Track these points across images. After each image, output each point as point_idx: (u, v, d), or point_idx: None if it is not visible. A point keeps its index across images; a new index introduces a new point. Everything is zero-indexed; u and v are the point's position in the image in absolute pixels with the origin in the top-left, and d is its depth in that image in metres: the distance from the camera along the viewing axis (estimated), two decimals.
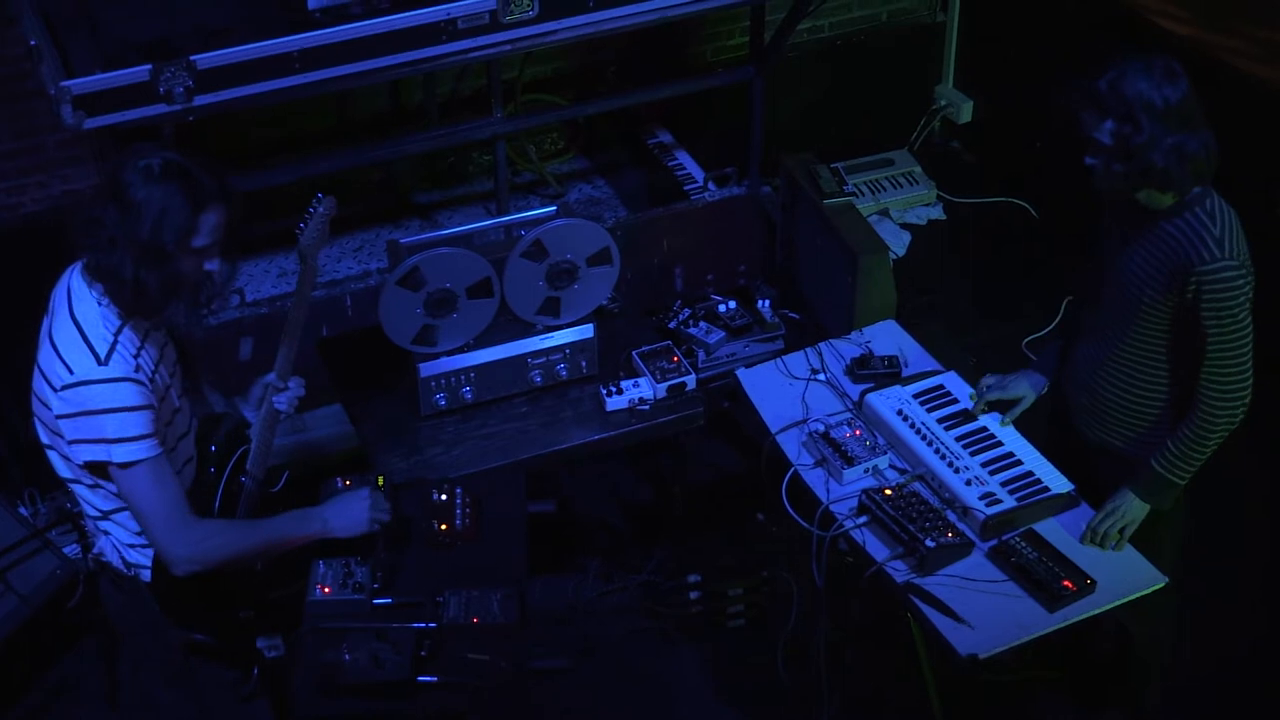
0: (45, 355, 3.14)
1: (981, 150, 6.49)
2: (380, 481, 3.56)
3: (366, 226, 5.39)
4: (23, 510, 4.49)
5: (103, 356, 3.07)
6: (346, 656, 3.16)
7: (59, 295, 3.18)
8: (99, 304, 3.12)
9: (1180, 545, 3.68)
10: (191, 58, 3.93)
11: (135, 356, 3.13)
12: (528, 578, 3.49)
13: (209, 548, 3.22)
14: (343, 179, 5.26)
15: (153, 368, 3.19)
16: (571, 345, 4.17)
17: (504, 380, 4.15)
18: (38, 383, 3.18)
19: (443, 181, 5.63)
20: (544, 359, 4.16)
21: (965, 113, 6.51)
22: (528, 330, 4.12)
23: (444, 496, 3.59)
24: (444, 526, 3.53)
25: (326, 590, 3.29)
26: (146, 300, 3.09)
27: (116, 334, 3.11)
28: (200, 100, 4.00)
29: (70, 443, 3.13)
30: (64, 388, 3.07)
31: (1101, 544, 3.43)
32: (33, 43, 3.95)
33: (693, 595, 4.43)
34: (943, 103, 6.55)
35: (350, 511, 3.37)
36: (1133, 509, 3.43)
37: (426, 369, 4.06)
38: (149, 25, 4.04)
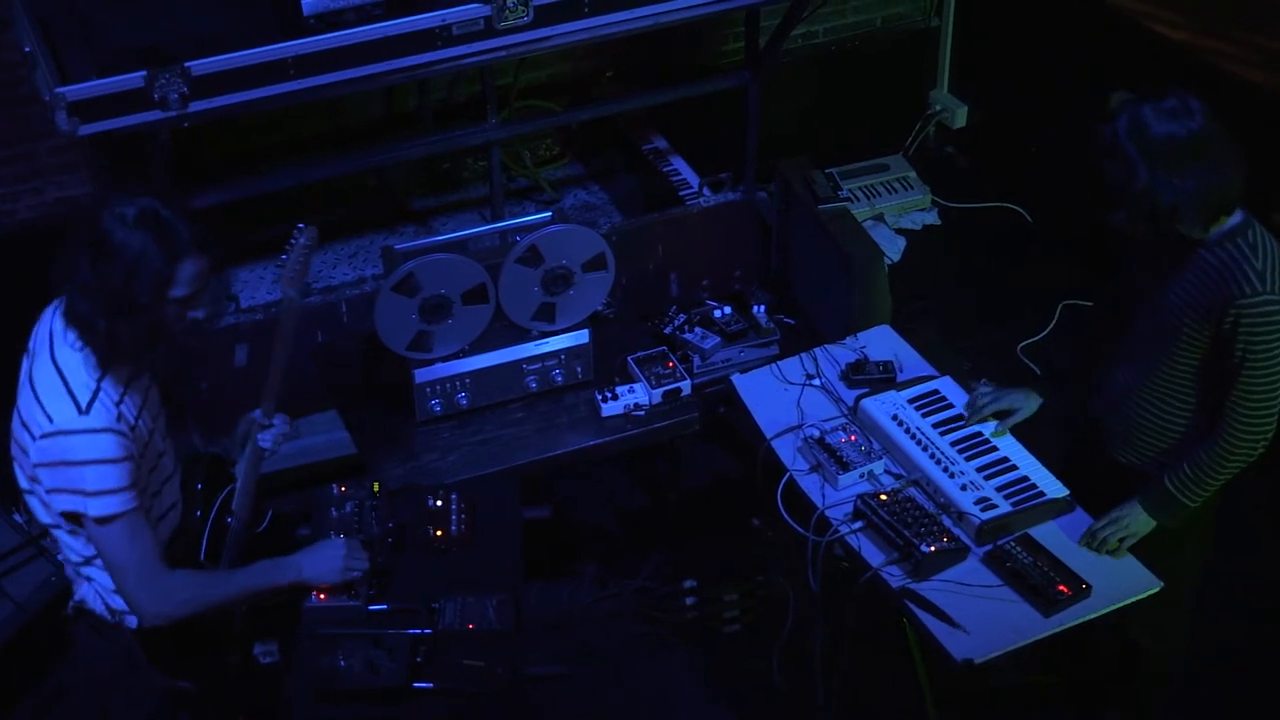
0: (25, 401, 3.05)
1: (976, 155, 6.50)
2: (376, 488, 3.56)
3: (361, 232, 5.38)
4: (17, 517, 4.48)
5: (84, 405, 2.98)
6: (342, 663, 3.16)
7: (40, 337, 3.10)
8: (79, 350, 3.04)
9: (1200, 567, 3.68)
10: (186, 64, 3.92)
11: (117, 405, 3.04)
12: (523, 583, 3.49)
13: (180, 601, 3.15)
14: (337, 185, 5.27)
15: (135, 415, 3.11)
16: (567, 351, 4.17)
17: (499, 386, 4.15)
18: (17, 429, 3.09)
19: (438, 187, 5.63)
20: (539, 365, 4.16)
21: (960, 118, 6.51)
22: (523, 336, 4.11)
23: (439, 502, 3.59)
24: (439, 532, 3.53)
25: (322, 596, 3.29)
26: (119, 350, 3.00)
27: (99, 381, 3.02)
28: (195, 106, 3.99)
29: (48, 491, 3.06)
30: (43, 436, 2.99)
31: (1099, 549, 3.43)
32: (27, 49, 3.95)
33: (688, 600, 4.42)
34: (937, 108, 6.56)
35: (324, 560, 3.30)
36: (1137, 521, 3.42)
37: (422, 375, 4.05)
38: (144, 31, 4.03)
